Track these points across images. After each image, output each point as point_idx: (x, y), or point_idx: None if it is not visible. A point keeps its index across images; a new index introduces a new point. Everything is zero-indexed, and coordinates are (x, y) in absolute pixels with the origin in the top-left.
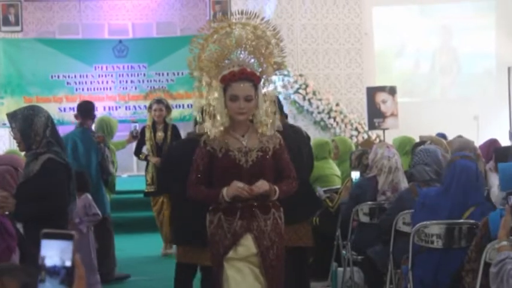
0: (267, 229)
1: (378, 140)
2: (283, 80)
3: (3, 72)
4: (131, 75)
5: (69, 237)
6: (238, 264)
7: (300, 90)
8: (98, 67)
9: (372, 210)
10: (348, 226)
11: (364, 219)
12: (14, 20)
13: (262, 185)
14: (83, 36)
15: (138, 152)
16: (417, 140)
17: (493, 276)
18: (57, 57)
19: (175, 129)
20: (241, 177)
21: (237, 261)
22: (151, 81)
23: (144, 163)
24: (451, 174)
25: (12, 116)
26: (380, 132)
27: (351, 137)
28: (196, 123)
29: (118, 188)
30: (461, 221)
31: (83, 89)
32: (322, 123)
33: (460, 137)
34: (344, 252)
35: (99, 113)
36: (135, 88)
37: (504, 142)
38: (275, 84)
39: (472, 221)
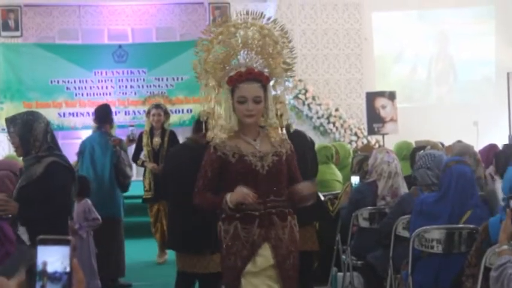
0: (284, 237)
1: (377, 146)
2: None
3: (3, 78)
4: (131, 80)
5: (65, 242)
6: (256, 282)
7: (300, 95)
8: (98, 72)
9: (372, 215)
10: (347, 231)
11: (364, 224)
12: (14, 25)
13: (310, 187)
14: (83, 41)
15: (135, 158)
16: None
17: (493, 281)
18: (56, 62)
19: (172, 135)
20: (257, 182)
21: (254, 278)
22: (150, 86)
23: (142, 169)
24: (448, 179)
25: (11, 121)
26: (379, 137)
27: (350, 142)
28: (199, 129)
29: None
30: (461, 226)
31: (82, 94)
32: (321, 128)
33: (459, 141)
34: (344, 257)
35: None
36: (135, 93)
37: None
38: (287, 86)
39: (472, 226)
